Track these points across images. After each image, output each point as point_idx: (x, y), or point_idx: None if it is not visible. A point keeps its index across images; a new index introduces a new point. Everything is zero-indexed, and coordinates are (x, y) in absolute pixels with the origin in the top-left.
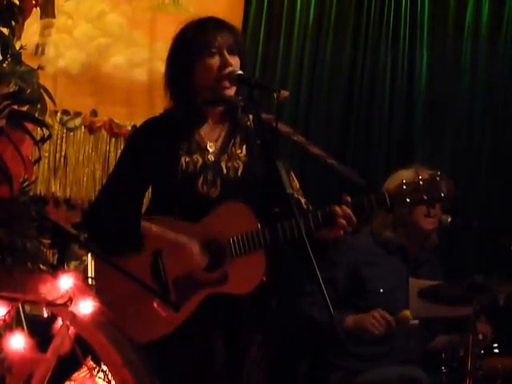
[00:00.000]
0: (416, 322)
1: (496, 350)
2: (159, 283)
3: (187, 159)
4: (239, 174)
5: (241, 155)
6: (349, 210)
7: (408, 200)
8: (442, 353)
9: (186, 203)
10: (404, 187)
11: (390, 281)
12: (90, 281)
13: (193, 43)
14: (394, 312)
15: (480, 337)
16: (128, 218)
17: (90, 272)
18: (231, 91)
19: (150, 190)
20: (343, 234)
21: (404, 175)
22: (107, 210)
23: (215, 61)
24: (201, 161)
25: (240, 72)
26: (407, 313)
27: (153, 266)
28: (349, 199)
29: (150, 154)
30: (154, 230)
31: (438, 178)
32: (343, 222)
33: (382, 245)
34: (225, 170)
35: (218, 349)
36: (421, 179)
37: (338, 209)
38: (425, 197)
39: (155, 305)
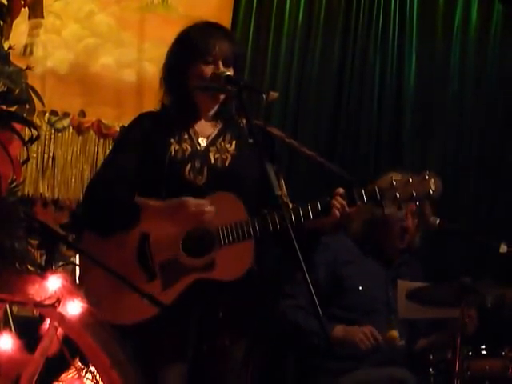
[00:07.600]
0: (402, 342)
1: (483, 352)
2: (145, 266)
3: (177, 147)
4: (227, 164)
5: (230, 149)
6: (343, 201)
7: (398, 195)
8: (429, 354)
9: (173, 189)
10: (394, 183)
11: (368, 279)
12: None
13: (192, 46)
14: (374, 310)
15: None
16: (123, 192)
17: (79, 273)
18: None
19: None
20: (339, 218)
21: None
22: (101, 189)
23: (209, 69)
24: (190, 149)
25: (228, 73)
26: (395, 334)
27: (139, 249)
28: (341, 191)
29: (144, 144)
30: (150, 203)
31: (427, 176)
32: (337, 210)
33: (358, 245)
34: (212, 160)
35: (191, 341)
36: (411, 176)
37: (333, 200)
38: (414, 193)
39: None
